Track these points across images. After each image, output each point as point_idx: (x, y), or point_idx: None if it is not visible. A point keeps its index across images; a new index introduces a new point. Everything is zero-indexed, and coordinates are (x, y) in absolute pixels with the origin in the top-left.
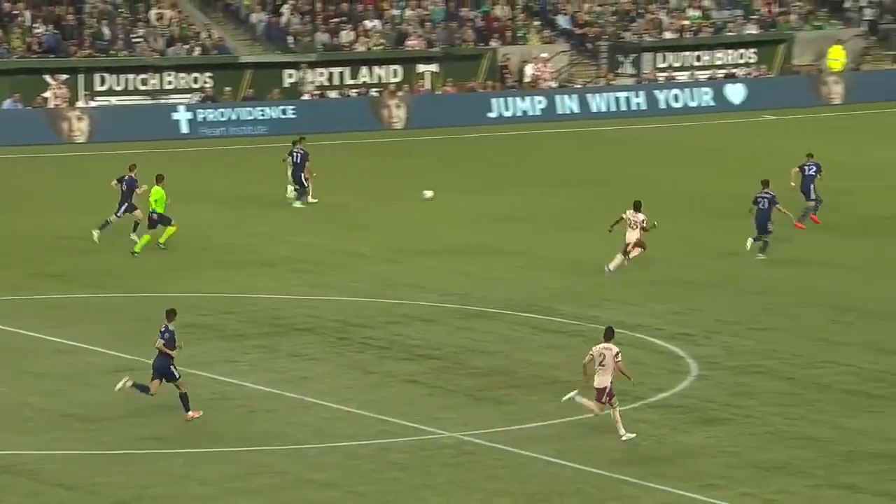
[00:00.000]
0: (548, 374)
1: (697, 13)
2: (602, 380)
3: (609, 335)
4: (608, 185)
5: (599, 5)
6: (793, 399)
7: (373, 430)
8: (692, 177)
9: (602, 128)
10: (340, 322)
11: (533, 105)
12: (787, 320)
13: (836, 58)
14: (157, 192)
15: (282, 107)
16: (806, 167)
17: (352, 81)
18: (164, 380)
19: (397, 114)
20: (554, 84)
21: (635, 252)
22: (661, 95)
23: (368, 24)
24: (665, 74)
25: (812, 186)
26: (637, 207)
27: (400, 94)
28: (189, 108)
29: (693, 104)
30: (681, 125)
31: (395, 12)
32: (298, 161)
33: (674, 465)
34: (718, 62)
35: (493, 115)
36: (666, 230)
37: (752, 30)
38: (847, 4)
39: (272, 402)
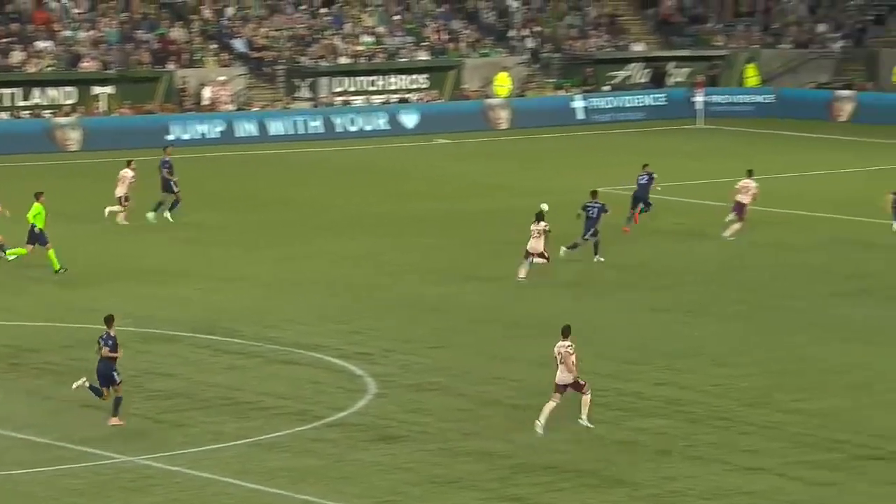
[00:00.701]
0: (228, 395)
1: (371, 39)
2: (562, 376)
3: (566, 332)
4: (287, 207)
5: (275, 30)
6: (466, 414)
7: (49, 455)
8: (370, 198)
9: (280, 151)
10: (14, 347)
11: (211, 128)
12: (461, 337)
13: (503, 84)
14: (36, 207)
15: None
16: (640, 177)
17: (24, 103)
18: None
19: (72, 136)
20: (232, 107)
21: (539, 261)
22: (337, 119)
23: (40, 44)
24: (341, 99)
25: (645, 194)
26: (538, 218)
27: (75, 116)
28: None
29: (369, 128)
30: (358, 148)
31: (68, 33)
32: (168, 169)
33: (352, 483)
34: (392, 87)
35: (171, 137)
36: (347, 249)
37: (423, 56)
38: (511, 34)
39: None
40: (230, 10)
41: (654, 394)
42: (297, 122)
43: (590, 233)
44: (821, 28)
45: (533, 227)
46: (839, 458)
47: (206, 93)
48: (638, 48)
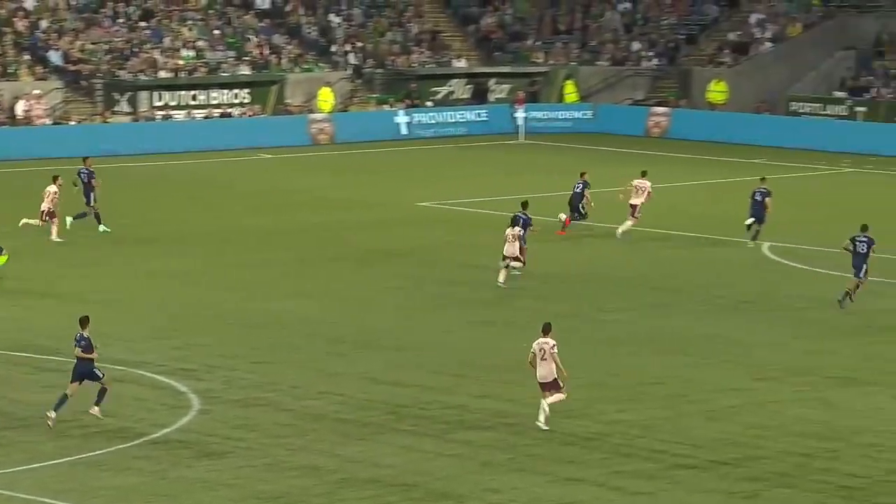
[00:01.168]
0: (46, 414)
1: (192, 53)
2: (544, 372)
3: (547, 329)
4: (110, 222)
5: (92, 43)
6: (292, 430)
7: None
8: (195, 214)
9: (101, 166)
10: None
11: (28, 142)
12: (286, 352)
13: (326, 99)
14: None
15: None
16: (576, 185)
17: None
18: (85, 380)
19: None
20: (48, 121)
21: (516, 265)
22: (158, 134)
23: None
24: (162, 113)
25: (581, 204)
26: (514, 223)
27: None
28: None
29: (191, 143)
30: (181, 163)
31: None
32: (87, 181)
33: (175, 500)
34: (214, 102)
35: None
36: (171, 265)
37: (245, 71)
38: (333, 49)
39: None
40: (44, 23)
41: (479, 406)
42: (116, 137)
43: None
44: (636, 46)
45: (508, 231)
46: (657, 468)
47: (21, 106)
48: (460, 64)
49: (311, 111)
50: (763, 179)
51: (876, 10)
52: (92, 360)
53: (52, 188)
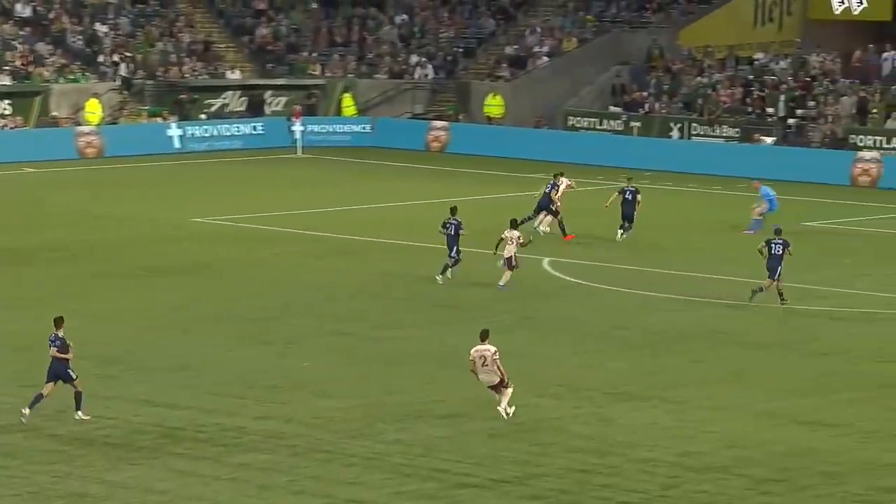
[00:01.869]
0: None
1: None
2: (489, 378)
3: (484, 336)
4: None
5: None
6: (59, 456)
7: None
8: None
9: None
10: None
11: None
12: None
13: (93, 111)
14: None
15: None
16: (546, 186)
17: None
18: (59, 381)
19: None
20: None
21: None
22: None
23: None
24: None
25: (550, 206)
26: (513, 225)
27: None
28: None
29: None
30: None
31: None
32: None
33: None
34: None
35: None
36: None
37: (5, 81)
38: (101, 59)
39: None
40: None
41: (257, 428)
42: None
43: (454, 251)
44: (414, 59)
45: (507, 234)
46: (438, 487)
47: None
48: (234, 76)
49: (78, 123)
50: (630, 179)
51: (647, 25)
52: (67, 360)
53: None
